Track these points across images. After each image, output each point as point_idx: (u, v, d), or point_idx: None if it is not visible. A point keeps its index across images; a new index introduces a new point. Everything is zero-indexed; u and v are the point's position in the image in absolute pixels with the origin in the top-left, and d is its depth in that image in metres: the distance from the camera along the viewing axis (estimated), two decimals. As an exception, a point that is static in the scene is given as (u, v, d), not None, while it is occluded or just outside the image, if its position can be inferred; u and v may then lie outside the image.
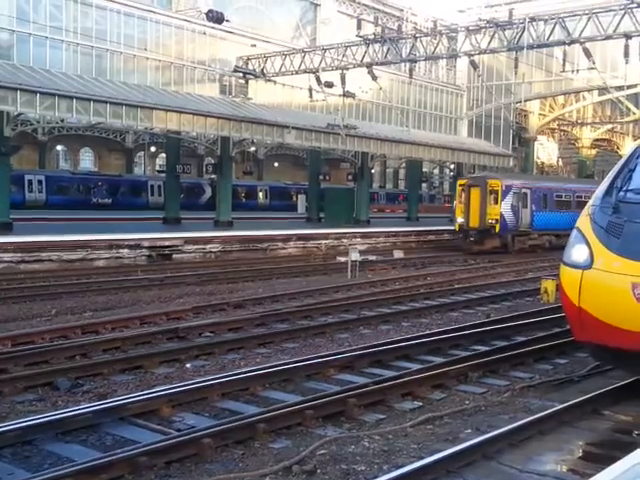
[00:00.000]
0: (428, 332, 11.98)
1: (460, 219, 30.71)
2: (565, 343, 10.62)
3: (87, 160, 60.52)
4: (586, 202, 34.44)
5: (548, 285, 15.91)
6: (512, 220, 30.39)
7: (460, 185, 31.75)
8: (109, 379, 9.01)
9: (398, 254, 27.75)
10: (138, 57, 30.14)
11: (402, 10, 48.05)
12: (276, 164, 68.48)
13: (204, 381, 8.38)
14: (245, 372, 8.87)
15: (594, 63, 27.66)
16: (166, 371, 9.46)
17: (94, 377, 9.02)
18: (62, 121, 26.84)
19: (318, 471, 5.90)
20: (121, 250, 22.92)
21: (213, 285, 18.44)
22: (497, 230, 29.94)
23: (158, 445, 6.16)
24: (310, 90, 32.44)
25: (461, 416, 7.57)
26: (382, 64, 31.86)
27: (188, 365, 9.79)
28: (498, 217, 29.93)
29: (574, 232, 8.13)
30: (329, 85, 31.54)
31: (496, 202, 30.04)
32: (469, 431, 6.99)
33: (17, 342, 10.75)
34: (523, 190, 31.32)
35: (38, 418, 6.91)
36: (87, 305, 14.79)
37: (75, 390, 8.41)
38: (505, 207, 30.17)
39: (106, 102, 26.09)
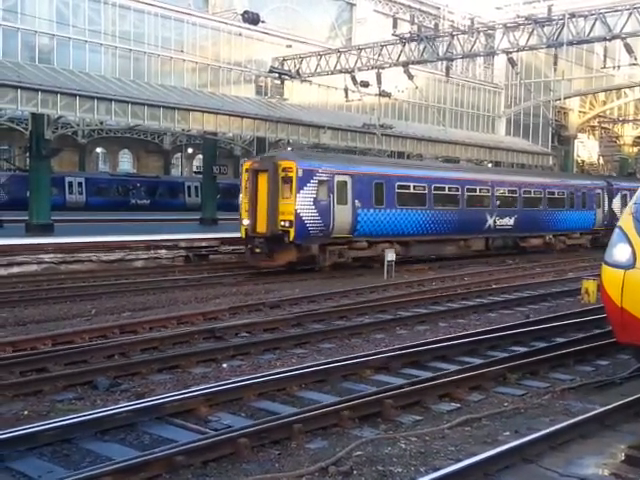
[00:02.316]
0: (465, 333, 11.86)
1: (246, 221, 21.10)
2: (606, 345, 10.42)
3: (126, 162, 61.30)
4: (457, 196, 25.29)
5: (589, 285, 15.64)
6: (317, 222, 20.76)
7: (246, 170, 21.61)
8: (147, 378, 9.10)
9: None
10: (175, 59, 30.42)
11: (439, 8, 47.68)
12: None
13: (240, 381, 8.41)
14: (281, 372, 8.89)
15: (636, 59, 27.13)
16: (203, 371, 9.52)
17: (132, 376, 9.12)
18: (101, 123, 27.28)
19: (354, 472, 5.87)
20: (159, 251, 23.14)
21: (249, 285, 18.51)
22: (292, 237, 20.35)
23: (195, 444, 6.19)
24: (346, 90, 32.40)
25: (499, 418, 7.47)
26: (418, 63, 31.61)
27: (225, 365, 9.84)
28: (293, 217, 20.41)
29: (616, 231, 7.96)
30: (365, 85, 31.44)
31: (291, 195, 20.58)
32: (508, 433, 6.90)
33: (57, 341, 10.93)
34: (338, 177, 21.50)
35: (77, 417, 7.01)
36: (125, 305, 14.97)
37: (114, 389, 8.51)
38: (304, 202, 20.53)
39: (144, 104, 26.40)
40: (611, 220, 32.27)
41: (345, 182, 21.71)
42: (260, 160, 22.00)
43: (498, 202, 27.61)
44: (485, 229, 27.06)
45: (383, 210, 22.85)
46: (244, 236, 21.32)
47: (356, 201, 21.95)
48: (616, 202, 33.26)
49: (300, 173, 20.55)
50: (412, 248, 24.15)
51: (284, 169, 20.66)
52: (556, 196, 30.63)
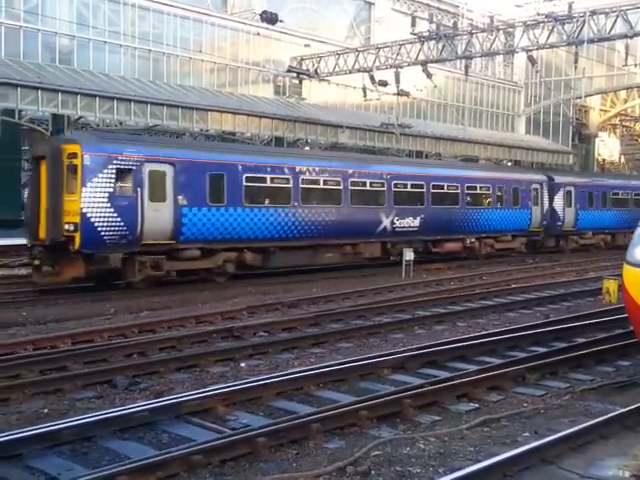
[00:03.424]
0: (484, 332, 11.78)
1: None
2: (628, 345, 10.29)
3: (145, 162, 61.63)
4: (337, 191, 20.51)
5: (610, 285, 15.46)
6: (115, 225, 16.16)
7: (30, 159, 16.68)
8: (165, 377, 9.13)
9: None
10: (194, 60, 30.59)
11: (457, 6, 47.47)
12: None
13: (258, 380, 8.41)
14: (299, 372, 8.87)
15: (658, 56, 26.88)
16: (221, 370, 9.54)
17: (151, 375, 9.16)
18: (120, 124, 27.44)
19: (372, 472, 5.84)
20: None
21: (267, 285, 18.53)
22: (77, 244, 15.76)
23: (213, 443, 6.19)
24: (364, 89, 32.43)
25: (519, 419, 7.41)
26: (437, 62, 31.58)
27: (243, 364, 9.85)
28: (78, 219, 15.79)
29: (638, 230, 7.86)
30: (383, 84, 31.44)
31: (77, 189, 15.96)
32: (527, 434, 6.84)
33: (77, 340, 11.02)
34: (151, 166, 16.97)
35: (97, 415, 7.04)
36: (144, 304, 15.04)
37: (132, 388, 8.54)
38: (94, 198, 15.94)
39: (163, 105, 26.58)
40: (553, 220, 29.11)
41: (163, 172, 17.14)
42: (42, 144, 17.32)
43: (397, 199, 22.91)
44: (380, 232, 22.39)
45: (224, 209, 18.26)
46: (29, 245, 16.73)
47: (180, 197, 17.36)
48: (558, 199, 29.41)
49: (88, 160, 15.89)
50: (274, 256, 19.68)
51: (69, 155, 16.09)
52: (478, 191, 26.32)
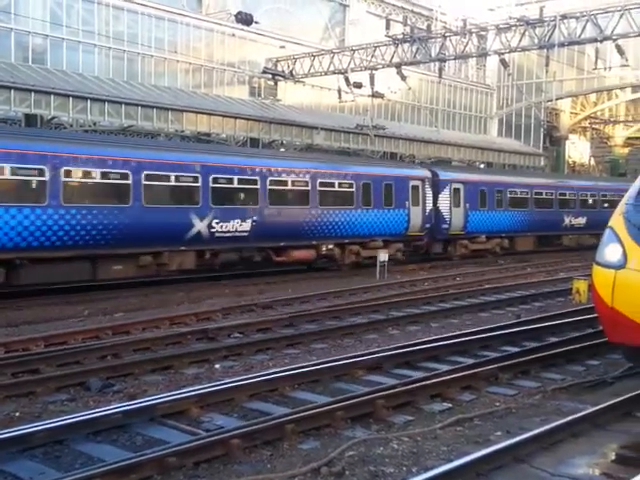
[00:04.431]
0: (457, 333, 11.88)
1: None
2: (598, 344, 10.46)
3: (119, 163, 61.07)
4: (124, 187, 16.29)
5: (580, 285, 15.69)
6: None
7: None
8: (139, 379, 9.10)
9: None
10: (169, 60, 30.42)
11: (431, 10, 47.72)
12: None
13: (233, 382, 8.41)
14: (274, 373, 8.88)
15: (627, 60, 27.33)
16: (195, 371, 9.53)
17: (125, 377, 9.13)
18: (94, 124, 27.20)
19: (346, 473, 5.87)
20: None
21: (242, 286, 18.51)
22: None
23: (187, 445, 6.18)
24: (339, 91, 32.49)
25: (491, 418, 7.49)
26: (411, 64, 31.74)
27: (217, 366, 9.85)
28: None
29: (607, 231, 7.99)
30: (358, 86, 31.53)
31: None
32: (499, 433, 6.91)
33: (50, 343, 10.94)
34: None
35: (70, 418, 6.98)
36: (119, 306, 14.96)
37: (106, 390, 8.51)
38: None
39: (137, 105, 26.37)
40: (438, 222, 25.59)
41: None
42: None
43: (217, 197, 18.79)
44: (192, 238, 18.19)
45: None
46: None
47: None
48: (444, 198, 25.96)
49: None
50: (25, 271, 15.40)
51: None
52: (337, 189, 22.28)
